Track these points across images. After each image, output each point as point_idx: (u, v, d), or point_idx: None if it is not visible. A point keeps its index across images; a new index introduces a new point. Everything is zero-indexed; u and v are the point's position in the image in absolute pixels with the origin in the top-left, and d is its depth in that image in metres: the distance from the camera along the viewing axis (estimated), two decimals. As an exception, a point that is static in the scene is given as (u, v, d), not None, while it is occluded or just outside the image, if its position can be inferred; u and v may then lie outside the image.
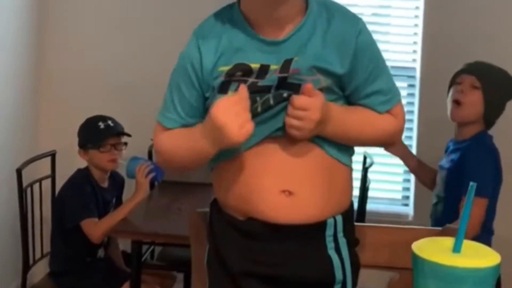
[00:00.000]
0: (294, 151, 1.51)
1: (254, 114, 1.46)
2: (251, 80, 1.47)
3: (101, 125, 3.23)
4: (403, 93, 4.07)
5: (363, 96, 1.56)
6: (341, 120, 1.52)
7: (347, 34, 1.52)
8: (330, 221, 1.55)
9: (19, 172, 3.14)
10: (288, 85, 1.48)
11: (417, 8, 4.05)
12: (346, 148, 1.59)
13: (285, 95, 1.47)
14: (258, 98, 1.48)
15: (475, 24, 3.94)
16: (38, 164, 3.48)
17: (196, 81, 1.54)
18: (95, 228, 3.05)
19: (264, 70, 1.48)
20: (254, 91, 1.47)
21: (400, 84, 4.14)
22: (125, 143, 3.31)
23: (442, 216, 2.85)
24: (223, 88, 1.50)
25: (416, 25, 4.06)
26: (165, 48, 4.04)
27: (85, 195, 3.13)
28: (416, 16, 4.06)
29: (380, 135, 1.61)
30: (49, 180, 3.48)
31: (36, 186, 3.33)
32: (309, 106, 1.44)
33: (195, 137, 1.50)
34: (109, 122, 3.26)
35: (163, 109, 1.62)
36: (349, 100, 1.58)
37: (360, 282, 3.08)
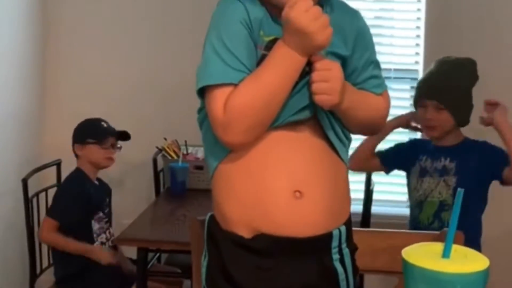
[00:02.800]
0: (304, 144, 1.52)
1: None
2: None
3: (104, 124, 3.38)
4: (407, 95, 4.08)
5: (361, 80, 1.61)
6: (352, 93, 1.54)
7: (348, 20, 1.60)
8: (336, 233, 1.55)
9: (25, 182, 3.17)
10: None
11: (418, 10, 4.07)
12: (345, 141, 1.61)
13: (307, 69, 1.48)
14: None
15: (478, 24, 3.96)
16: (43, 174, 3.51)
17: (249, 29, 1.49)
18: (48, 230, 3.14)
19: None
20: None
21: (403, 86, 4.15)
22: (120, 147, 3.44)
23: (460, 227, 2.83)
24: (261, 62, 1.48)
25: (418, 27, 4.09)
26: (170, 51, 4.09)
27: (69, 194, 3.22)
28: (418, 18, 4.08)
29: (377, 114, 1.66)
30: (54, 190, 3.50)
31: (42, 196, 3.36)
32: (331, 66, 1.47)
33: (277, 59, 1.44)
34: (109, 124, 3.40)
35: (220, 69, 1.46)
36: None
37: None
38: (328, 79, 1.46)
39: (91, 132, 3.34)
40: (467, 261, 1.08)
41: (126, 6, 4.16)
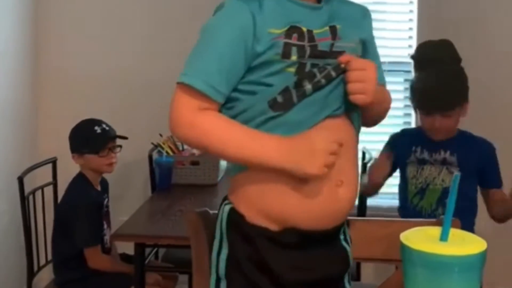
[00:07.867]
0: (341, 133, 1.53)
1: (318, 88, 1.48)
2: (307, 44, 1.48)
3: (98, 129, 3.27)
4: (400, 87, 4.10)
5: None
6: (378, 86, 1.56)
7: (359, 11, 1.65)
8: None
9: (20, 180, 3.15)
10: (332, 53, 1.51)
11: (411, 2, 4.09)
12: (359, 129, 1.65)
13: (342, 66, 1.50)
14: (317, 73, 1.48)
15: (470, 16, 3.97)
16: (39, 171, 3.50)
17: (249, 45, 1.46)
18: (95, 257, 3.15)
19: (310, 35, 1.49)
20: (314, 56, 1.48)
21: (396, 79, 4.16)
22: (120, 146, 3.36)
23: (458, 209, 2.85)
24: (286, 53, 1.46)
25: (411, 20, 4.11)
26: (165, 50, 4.08)
27: (92, 218, 3.18)
28: (411, 11, 4.10)
29: (388, 106, 1.71)
30: (50, 187, 3.50)
31: (38, 193, 3.35)
32: (365, 66, 1.49)
33: (266, 144, 1.45)
34: (104, 125, 3.30)
35: (204, 75, 1.47)
36: None
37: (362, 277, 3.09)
38: (363, 79, 1.48)
39: (86, 142, 3.25)
40: (464, 243, 1.09)
41: (123, 4, 4.16)
